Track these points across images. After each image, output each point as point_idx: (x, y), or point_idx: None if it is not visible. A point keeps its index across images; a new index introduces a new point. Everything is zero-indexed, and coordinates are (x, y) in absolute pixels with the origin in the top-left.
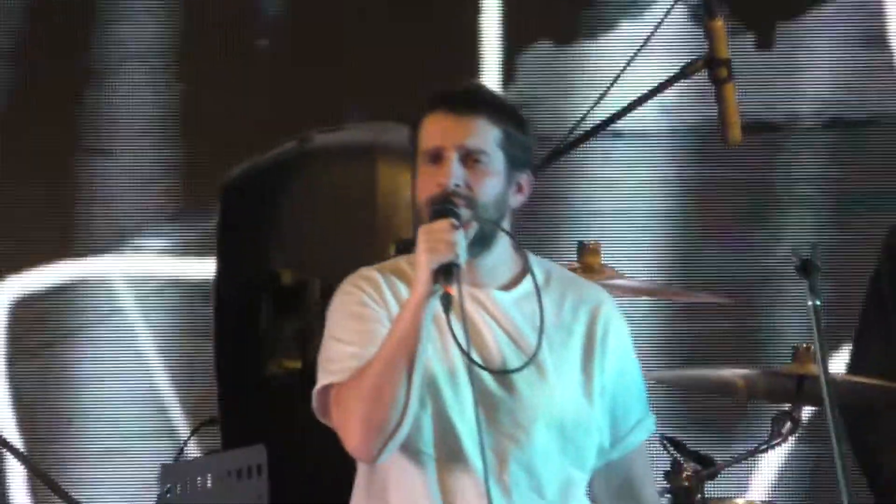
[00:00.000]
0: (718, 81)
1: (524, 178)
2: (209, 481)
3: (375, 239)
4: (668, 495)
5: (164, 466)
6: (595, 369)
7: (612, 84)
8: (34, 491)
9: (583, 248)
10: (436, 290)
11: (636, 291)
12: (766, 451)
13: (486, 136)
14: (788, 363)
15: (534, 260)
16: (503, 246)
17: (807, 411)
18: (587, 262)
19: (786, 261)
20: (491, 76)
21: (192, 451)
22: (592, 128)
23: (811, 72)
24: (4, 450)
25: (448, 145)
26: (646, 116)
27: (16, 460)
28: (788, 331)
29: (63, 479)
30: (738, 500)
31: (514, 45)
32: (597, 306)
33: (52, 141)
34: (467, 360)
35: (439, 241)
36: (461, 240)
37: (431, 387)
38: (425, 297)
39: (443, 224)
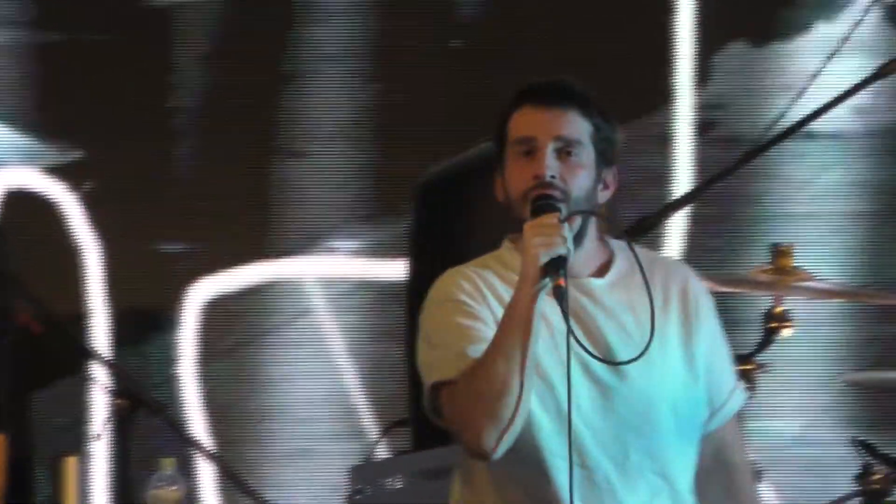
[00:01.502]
0: None
1: (611, 174)
2: (399, 482)
3: None
4: (860, 498)
5: (354, 467)
6: (695, 345)
7: (806, 85)
8: (224, 491)
9: (775, 250)
10: (544, 285)
11: (829, 294)
12: None
13: (580, 128)
14: None
15: (615, 244)
16: (591, 236)
17: None
18: (780, 264)
19: None
20: (684, 76)
21: (383, 452)
22: (786, 129)
23: None
24: (195, 450)
25: (542, 136)
26: (840, 117)
27: (207, 461)
28: None
29: (253, 479)
30: None
31: (708, 46)
32: (685, 281)
33: (246, 142)
34: (586, 353)
35: (552, 235)
36: (569, 233)
37: (545, 382)
38: (537, 290)
39: (551, 218)
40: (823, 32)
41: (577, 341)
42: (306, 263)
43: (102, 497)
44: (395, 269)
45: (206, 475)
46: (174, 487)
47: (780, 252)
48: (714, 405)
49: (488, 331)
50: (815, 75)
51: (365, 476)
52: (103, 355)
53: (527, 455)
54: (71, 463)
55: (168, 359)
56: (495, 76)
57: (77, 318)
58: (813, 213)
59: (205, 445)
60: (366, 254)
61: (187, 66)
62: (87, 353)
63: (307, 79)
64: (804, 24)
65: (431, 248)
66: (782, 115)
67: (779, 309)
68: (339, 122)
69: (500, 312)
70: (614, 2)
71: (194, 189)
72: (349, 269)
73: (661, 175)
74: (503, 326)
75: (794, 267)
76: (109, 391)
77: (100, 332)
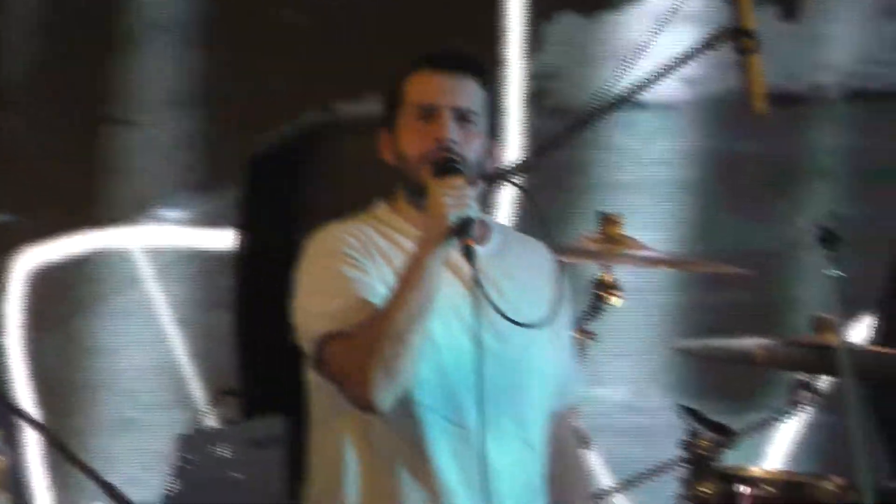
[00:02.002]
0: (744, 52)
1: (496, 144)
2: (227, 451)
3: None
4: (686, 464)
5: (182, 436)
6: (559, 326)
7: (636, 55)
8: (53, 462)
9: (604, 219)
10: (451, 244)
11: (657, 262)
12: (784, 420)
13: (477, 97)
14: (808, 333)
15: (487, 218)
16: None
17: (826, 381)
18: (608, 233)
19: (806, 231)
20: (515, 47)
21: (211, 422)
22: (616, 99)
23: (835, 42)
24: (23, 421)
25: (444, 104)
26: (669, 88)
27: (35, 431)
28: (809, 301)
29: (80, 449)
30: (755, 469)
31: (538, 17)
32: (551, 260)
33: (74, 111)
34: (498, 313)
35: (462, 196)
36: (474, 196)
37: (429, 339)
38: (441, 248)
39: (460, 179)
40: (654, 3)
41: (488, 298)
42: (135, 233)
43: None
44: (224, 239)
45: (33, 446)
46: (0, 458)
47: (608, 220)
48: (563, 387)
49: (375, 283)
50: (644, 45)
51: (193, 445)
52: None
53: (402, 407)
54: None
55: None
56: (326, 48)
57: None
58: (641, 182)
59: (32, 416)
60: (194, 223)
61: (13, 35)
62: None
63: (136, 47)
64: None
65: (260, 218)
66: (612, 85)
67: (607, 277)
68: (168, 91)
69: (384, 268)
70: None
71: (19, 158)
72: (178, 238)
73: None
74: (403, 281)
75: (623, 235)
76: None
77: None
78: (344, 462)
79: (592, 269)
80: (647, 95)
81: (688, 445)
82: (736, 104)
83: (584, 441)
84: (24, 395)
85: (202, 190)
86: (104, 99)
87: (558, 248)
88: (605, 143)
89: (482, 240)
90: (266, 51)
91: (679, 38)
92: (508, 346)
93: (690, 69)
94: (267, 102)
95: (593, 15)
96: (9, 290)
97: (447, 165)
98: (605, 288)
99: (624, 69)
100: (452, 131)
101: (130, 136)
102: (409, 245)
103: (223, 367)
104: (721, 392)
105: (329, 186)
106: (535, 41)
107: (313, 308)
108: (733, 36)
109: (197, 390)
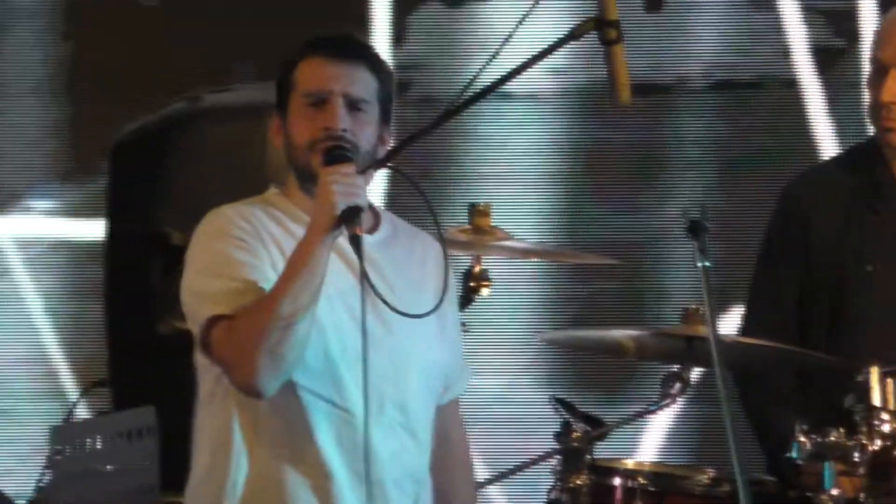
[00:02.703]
0: (608, 43)
1: (387, 131)
2: (99, 442)
3: None
4: (559, 456)
5: (53, 428)
6: (444, 317)
7: (501, 45)
8: None
9: (473, 210)
10: (340, 231)
11: (525, 253)
12: (655, 411)
13: (368, 84)
14: (677, 324)
15: (378, 208)
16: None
17: (696, 372)
18: (477, 224)
19: (674, 222)
20: (380, 37)
21: (82, 412)
22: (482, 89)
23: (700, 34)
24: None
25: (334, 91)
26: (535, 78)
27: None
28: (677, 292)
29: None
30: (627, 461)
31: (403, 6)
32: (440, 256)
33: None
34: (382, 301)
35: (352, 184)
36: (364, 184)
37: (316, 324)
38: (330, 235)
39: (349, 168)
40: None
41: (372, 287)
42: (1, 223)
43: None
44: (93, 229)
45: None
46: None
47: (477, 211)
48: (448, 380)
49: (266, 268)
50: (510, 35)
51: (65, 437)
52: None
53: (287, 391)
54: None
55: None
56: (190, 34)
57: None
58: (509, 173)
59: None
60: (62, 213)
61: None
62: None
63: (1, 35)
64: None
65: (126, 207)
66: (478, 76)
67: (477, 268)
68: (34, 79)
69: (274, 252)
70: None
71: None
72: (46, 228)
73: None
74: (291, 267)
75: (492, 226)
76: None
77: None
78: (230, 444)
79: (463, 261)
80: (513, 86)
81: (561, 437)
82: (601, 95)
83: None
84: None
85: (69, 179)
86: None
87: (443, 239)
88: (472, 133)
89: (372, 228)
90: (130, 38)
91: (545, 28)
92: (392, 335)
93: (556, 59)
94: (132, 90)
95: (457, 4)
96: None
97: (336, 153)
98: (475, 279)
99: (490, 59)
100: (343, 119)
101: None
102: (300, 231)
103: (94, 357)
104: (593, 383)
105: (195, 174)
106: (400, 31)
107: (200, 289)
108: (598, 26)
109: (68, 381)
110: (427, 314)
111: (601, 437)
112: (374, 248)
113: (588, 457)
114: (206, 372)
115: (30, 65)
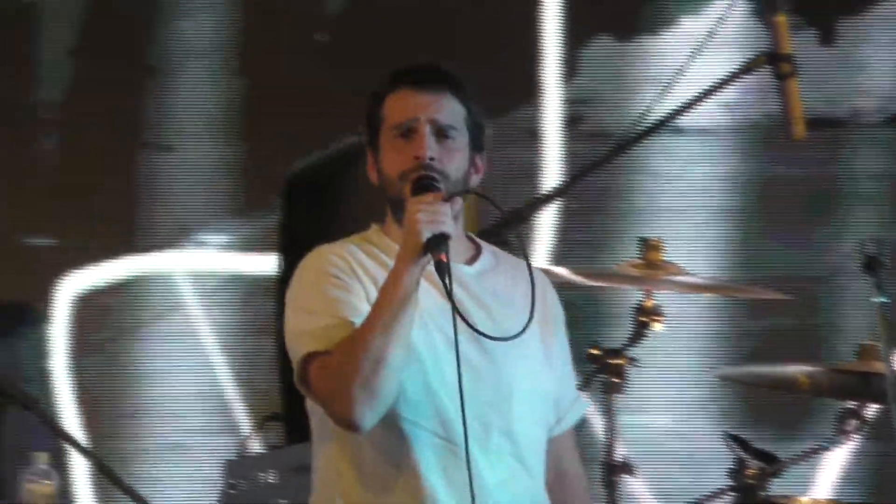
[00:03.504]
0: (782, 77)
1: (480, 159)
2: (272, 476)
3: None
4: (734, 493)
5: (227, 462)
6: (551, 346)
7: (673, 79)
8: (98, 486)
9: (645, 244)
10: (427, 260)
11: (698, 288)
12: (830, 448)
13: (455, 111)
14: (853, 360)
15: (479, 240)
16: (461, 224)
17: (872, 409)
18: (649, 258)
19: (849, 257)
20: (551, 71)
21: (255, 447)
22: (654, 123)
23: (873, 67)
24: (69, 445)
25: (421, 118)
26: (707, 112)
27: (80, 455)
28: (853, 328)
29: (126, 474)
30: (802, 499)
31: (574, 40)
32: (545, 286)
33: (114, 137)
34: (468, 326)
35: (437, 212)
36: (450, 212)
37: (413, 354)
38: (417, 264)
39: (435, 197)
40: (689, 27)
41: (461, 315)
42: (176, 258)
43: None
44: (265, 264)
45: (80, 470)
46: (48, 482)
47: (649, 246)
48: (560, 411)
49: (360, 304)
50: (681, 70)
51: (238, 471)
52: None
53: (389, 423)
54: None
55: (40, 353)
56: (361, 70)
57: None
58: (681, 208)
59: (78, 440)
60: (235, 248)
61: (54, 60)
62: None
63: (174, 73)
64: (669, 18)
65: (300, 241)
66: (649, 110)
67: (649, 303)
68: (207, 116)
69: (370, 287)
70: None
71: (62, 182)
72: (219, 263)
73: (530, 170)
74: (381, 299)
75: (664, 260)
76: None
77: None
78: (336, 481)
79: (634, 296)
80: (685, 120)
81: (735, 474)
82: (775, 129)
83: (629, 469)
84: (71, 418)
85: (242, 214)
86: (142, 124)
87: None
88: (643, 168)
89: (471, 259)
90: (300, 73)
91: (716, 63)
92: (494, 363)
93: (729, 94)
94: (304, 126)
95: (628, 38)
96: (53, 314)
97: (424, 182)
98: (646, 314)
99: (661, 93)
100: (431, 147)
101: (169, 162)
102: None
103: (266, 391)
104: (767, 420)
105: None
106: (571, 65)
107: (297, 327)
108: (771, 60)
109: (241, 415)
110: (515, 336)
111: (776, 474)
112: (473, 278)
113: (762, 493)
114: (313, 410)
115: (203, 102)
